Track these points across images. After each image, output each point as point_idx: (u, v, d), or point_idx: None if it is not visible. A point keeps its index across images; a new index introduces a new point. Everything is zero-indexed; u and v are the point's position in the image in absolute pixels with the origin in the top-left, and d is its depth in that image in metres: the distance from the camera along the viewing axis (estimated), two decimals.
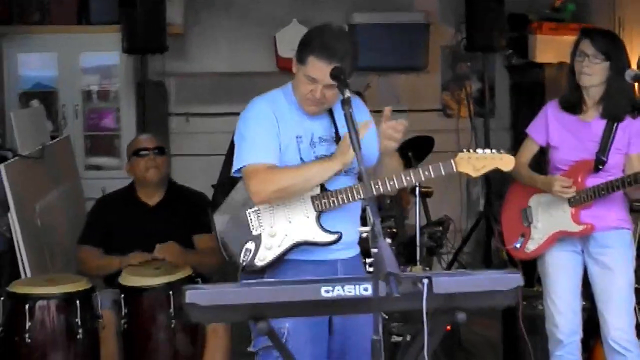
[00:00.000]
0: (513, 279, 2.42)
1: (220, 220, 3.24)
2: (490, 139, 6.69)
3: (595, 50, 3.72)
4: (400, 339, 4.34)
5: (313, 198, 3.14)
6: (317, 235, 3.14)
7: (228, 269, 5.09)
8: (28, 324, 3.76)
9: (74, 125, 6.70)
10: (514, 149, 6.97)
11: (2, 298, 3.87)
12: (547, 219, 3.90)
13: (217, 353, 4.17)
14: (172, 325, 4.00)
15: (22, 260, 4.36)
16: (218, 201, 3.30)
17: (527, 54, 6.62)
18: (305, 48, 3.10)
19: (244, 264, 3.14)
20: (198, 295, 2.37)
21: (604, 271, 3.83)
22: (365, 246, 2.87)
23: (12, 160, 4.66)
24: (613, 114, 3.76)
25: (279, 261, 3.15)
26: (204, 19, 6.90)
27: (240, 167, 3.13)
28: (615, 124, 3.76)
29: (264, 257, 3.13)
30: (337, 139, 3.19)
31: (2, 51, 6.59)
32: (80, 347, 3.86)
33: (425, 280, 2.31)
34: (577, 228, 3.81)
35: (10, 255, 4.46)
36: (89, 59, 6.88)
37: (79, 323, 3.82)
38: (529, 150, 4.02)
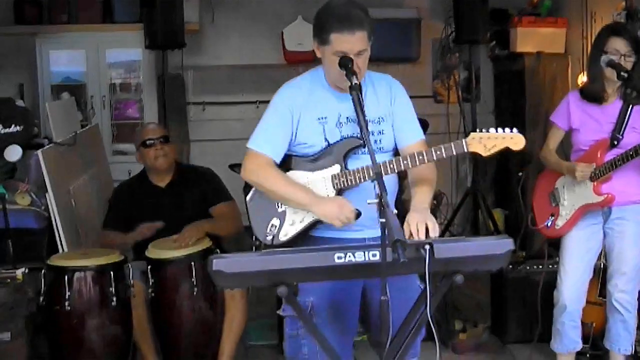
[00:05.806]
0: (505, 244, 2.43)
1: (249, 196, 3.10)
2: (477, 121, 6.68)
3: (630, 49, 3.68)
4: None
5: (333, 177, 2.95)
6: None
7: (244, 241, 5.14)
8: (67, 294, 3.76)
9: (101, 115, 6.73)
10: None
11: (43, 270, 3.87)
12: (572, 195, 3.87)
13: (236, 316, 4.17)
14: (194, 293, 4.00)
15: (59, 236, 4.37)
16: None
17: (509, 45, 6.59)
18: (323, 28, 2.87)
19: (270, 237, 3.00)
20: (223, 263, 2.38)
21: (619, 239, 3.82)
22: None
23: (48, 147, 4.65)
24: (631, 98, 3.71)
25: (303, 237, 2.98)
26: (217, 18, 6.86)
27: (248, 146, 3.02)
28: (631, 106, 3.71)
29: (286, 233, 2.99)
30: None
31: (35, 49, 6.59)
32: (113, 314, 3.86)
33: (428, 247, 2.32)
34: (598, 199, 3.77)
35: (49, 232, 4.47)
36: (113, 55, 6.88)
37: (113, 292, 3.82)
38: (554, 136, 3.99)
